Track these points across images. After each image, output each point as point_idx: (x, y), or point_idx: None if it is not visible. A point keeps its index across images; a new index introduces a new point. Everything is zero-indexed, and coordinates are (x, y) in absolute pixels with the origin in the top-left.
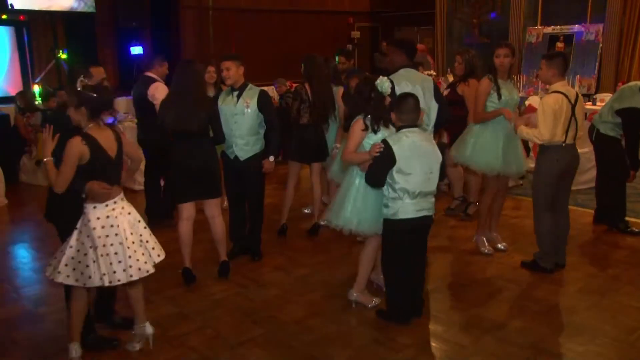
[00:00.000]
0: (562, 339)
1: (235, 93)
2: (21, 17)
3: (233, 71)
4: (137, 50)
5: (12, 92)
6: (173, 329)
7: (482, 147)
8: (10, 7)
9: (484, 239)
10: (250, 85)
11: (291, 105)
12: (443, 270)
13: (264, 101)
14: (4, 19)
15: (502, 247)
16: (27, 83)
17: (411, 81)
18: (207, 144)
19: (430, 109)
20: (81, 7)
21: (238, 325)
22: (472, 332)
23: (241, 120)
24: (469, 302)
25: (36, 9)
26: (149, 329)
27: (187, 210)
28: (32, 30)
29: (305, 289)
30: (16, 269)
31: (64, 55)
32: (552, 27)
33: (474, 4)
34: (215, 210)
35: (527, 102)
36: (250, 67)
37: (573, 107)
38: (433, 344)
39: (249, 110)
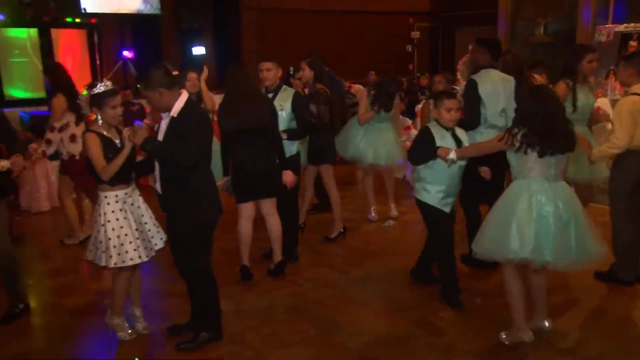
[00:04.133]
0: (624, 354)
1: (270, 95)
2: (92, 20)
3: (273, 72)
4: (199, 50)
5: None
6: (231, 325)
7: None
8: (83, 11)
9: None
10: (284, 87)
11: (323, 112)
12: None
13: (298, 102)
14: (78, 22)
15: None
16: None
17: (492, 82)
18: (269, 143)
19: (509, 109)
20: (147, 10)
21: (293, 324)
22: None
23: None
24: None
25: (106, 11)
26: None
27: (247, 209)
28: (101, 32)
29: (362, 290)
30: None
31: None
32: (625, 24)
33: (539, 2)
34: (271, 208)
35: (595, 104)
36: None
37: None
38: None
39: (284, 113)
